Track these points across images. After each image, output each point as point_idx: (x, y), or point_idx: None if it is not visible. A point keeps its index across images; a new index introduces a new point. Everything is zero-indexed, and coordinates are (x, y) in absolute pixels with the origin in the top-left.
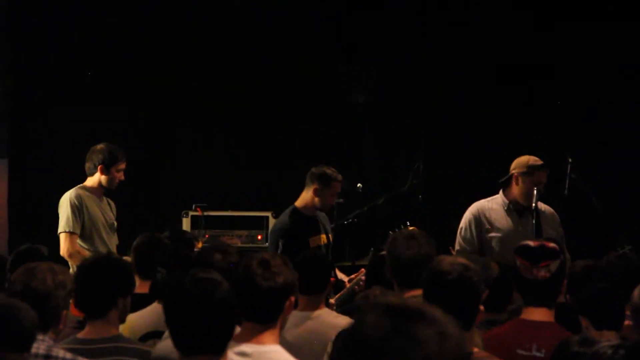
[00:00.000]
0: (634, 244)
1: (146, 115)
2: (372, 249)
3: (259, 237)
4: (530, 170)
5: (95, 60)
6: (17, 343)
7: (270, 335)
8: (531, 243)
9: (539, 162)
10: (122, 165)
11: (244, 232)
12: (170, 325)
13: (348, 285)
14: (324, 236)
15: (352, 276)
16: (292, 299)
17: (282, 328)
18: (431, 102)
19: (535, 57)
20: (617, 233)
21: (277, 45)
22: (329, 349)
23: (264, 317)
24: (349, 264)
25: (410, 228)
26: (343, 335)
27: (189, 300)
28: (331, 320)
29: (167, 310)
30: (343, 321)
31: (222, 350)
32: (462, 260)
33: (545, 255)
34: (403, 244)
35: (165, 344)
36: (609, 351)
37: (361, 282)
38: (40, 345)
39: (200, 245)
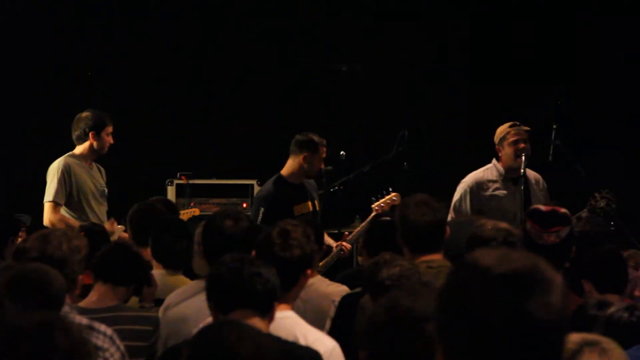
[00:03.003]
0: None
1: (133, 81)
2: (357, 216)
3: (244, 205)
4: (505, 134)
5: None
6: (51, 304)
7: (284, 302)
8: (543, 207)
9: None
10: (111, 129)
11: (226, 200)
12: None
13: (335, 251)
14: (309, 203)
15: (339, 242)
16: (309, 271)
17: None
18: (418, 69)
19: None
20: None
21: (262, 11)
22: (331, 313)
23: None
24: (335, 231)
25: (393, 193)
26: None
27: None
28: (323, 289)
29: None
30: (335, 289)
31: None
32: (504, 225)
33: (557, 221)
34: (415, 210)
35: (178, 310)
36: (625, 314)
37: (344, 248)
38: None
39: (188, 212)
